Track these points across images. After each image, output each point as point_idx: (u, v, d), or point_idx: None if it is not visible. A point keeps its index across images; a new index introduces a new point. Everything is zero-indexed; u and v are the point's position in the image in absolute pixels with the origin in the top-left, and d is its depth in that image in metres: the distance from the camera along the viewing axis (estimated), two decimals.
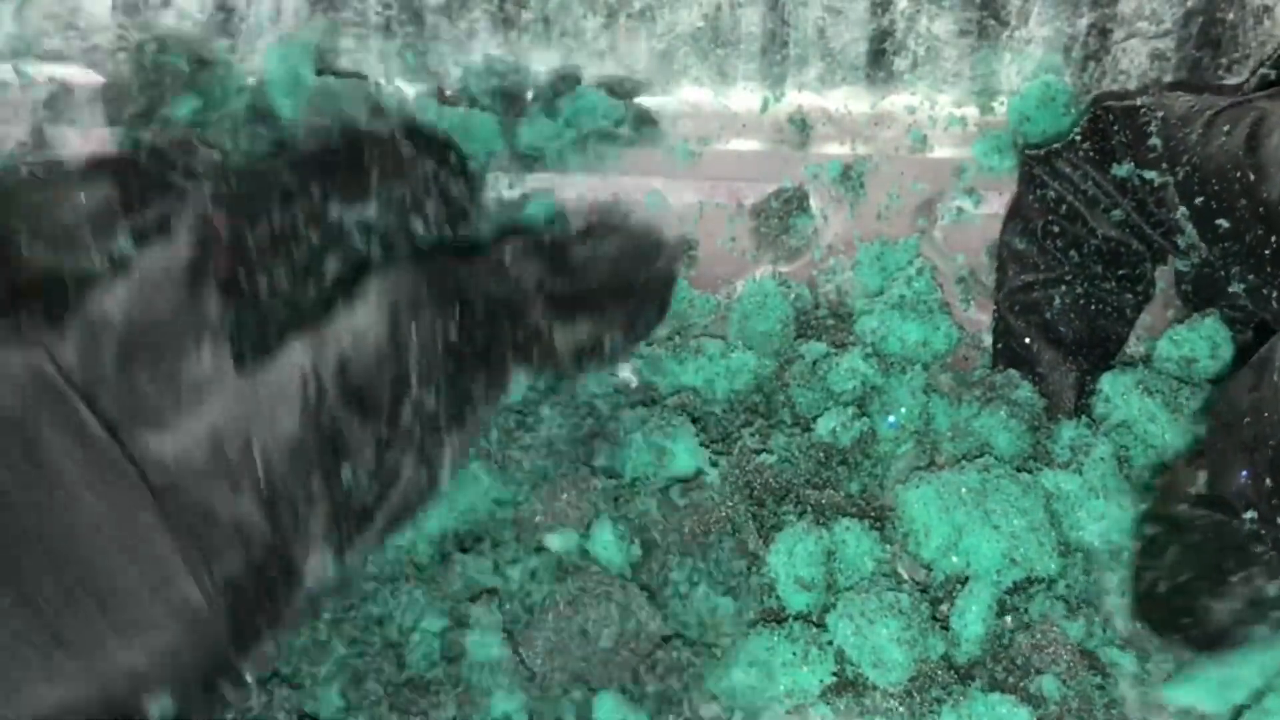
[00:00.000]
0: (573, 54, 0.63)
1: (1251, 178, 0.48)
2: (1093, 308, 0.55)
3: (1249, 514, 0.46)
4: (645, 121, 0.63)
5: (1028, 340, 0.56)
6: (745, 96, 0.64)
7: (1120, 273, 0.55)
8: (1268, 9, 0.59)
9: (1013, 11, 0.61)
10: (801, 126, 0.63)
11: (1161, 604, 0.50)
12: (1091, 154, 0.53)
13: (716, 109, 0.64)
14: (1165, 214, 0.52)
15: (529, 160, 0.61)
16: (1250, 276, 0.49)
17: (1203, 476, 0.49)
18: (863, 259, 0.61)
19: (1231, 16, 0.60)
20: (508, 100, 0.63)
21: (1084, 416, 0.55)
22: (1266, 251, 0.48)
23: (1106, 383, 0.54)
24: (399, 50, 0.63)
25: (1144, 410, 0.53)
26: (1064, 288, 0.55)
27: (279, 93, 0.61)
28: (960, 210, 0.62)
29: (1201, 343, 0.55)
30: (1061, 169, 0.54)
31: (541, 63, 0.63)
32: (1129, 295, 0.55)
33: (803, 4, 0.62)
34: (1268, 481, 0.46)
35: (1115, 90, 0.61)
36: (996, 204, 0.61)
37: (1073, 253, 0.54)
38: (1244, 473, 0.47)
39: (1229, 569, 0.47)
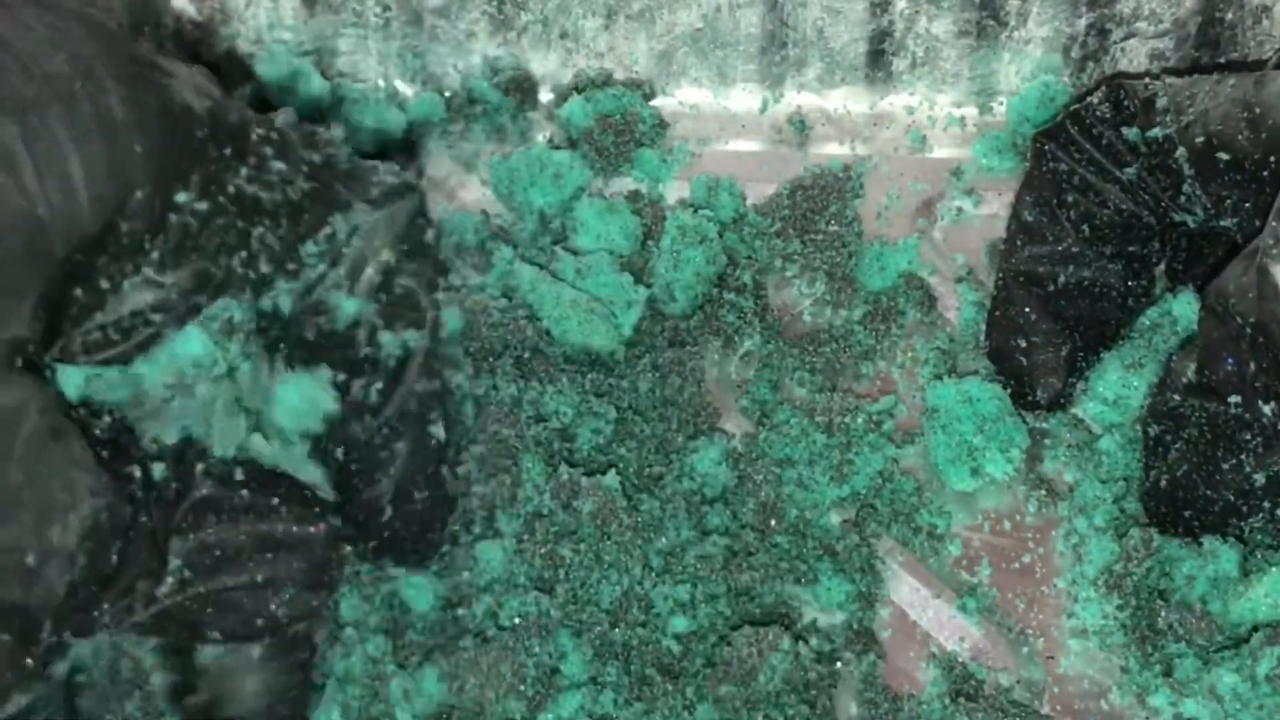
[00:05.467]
0: (572, 55, 0.63)
1: (1257, 111, 0.48)
2: (1096, 289, 0.55)
3: (1234, 398, 0.48)
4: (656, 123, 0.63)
5: (1027, 310, 0.55)
6: (744, 97, 0.64)
7: (1130, 249, 0.55)
8: (1266, 9, 0.59)
9: (1012, 12, 0.61)
10: (801, 127, 0.63)
11: (1165, 499, 0.52)
12: (1105, 115, 0.53)
13: (716, 110, 0.64)
14: (1172, 169, 0.52)
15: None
16: (1246, 205, 0.50)
17: (1194, 366, 0.50)
18: (863, 259, 0.61)
19: (1230, 16, 0.60)
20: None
21: (1060, 409, 0.56)
22: (1265, 173, 0.48)
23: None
24: (398, 51, 0.63)
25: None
26: (1071, 267, 0.55)
27: (282, 93, 0.61)
28: (960, 211, 0.62)
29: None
30: (1074, 137, 0.54)
31: (540, 64, 0.63)
32: (1134, 283, 0.55)
33: (802, 5, 0.62)
34: (1251, 365, 0.47)
35: (1126, 70, 0.61)
36: (996, 204, 0.61)
37: (1084, 227, 0.54)
38: (1230, 359, 0.48)
39: (1221, 458, 0.49)
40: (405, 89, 0.63)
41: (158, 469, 0.43)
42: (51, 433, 0.39)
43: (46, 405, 0.39)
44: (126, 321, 0.41)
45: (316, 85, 0.61)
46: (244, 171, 0.43)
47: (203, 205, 0.42)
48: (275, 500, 0.46)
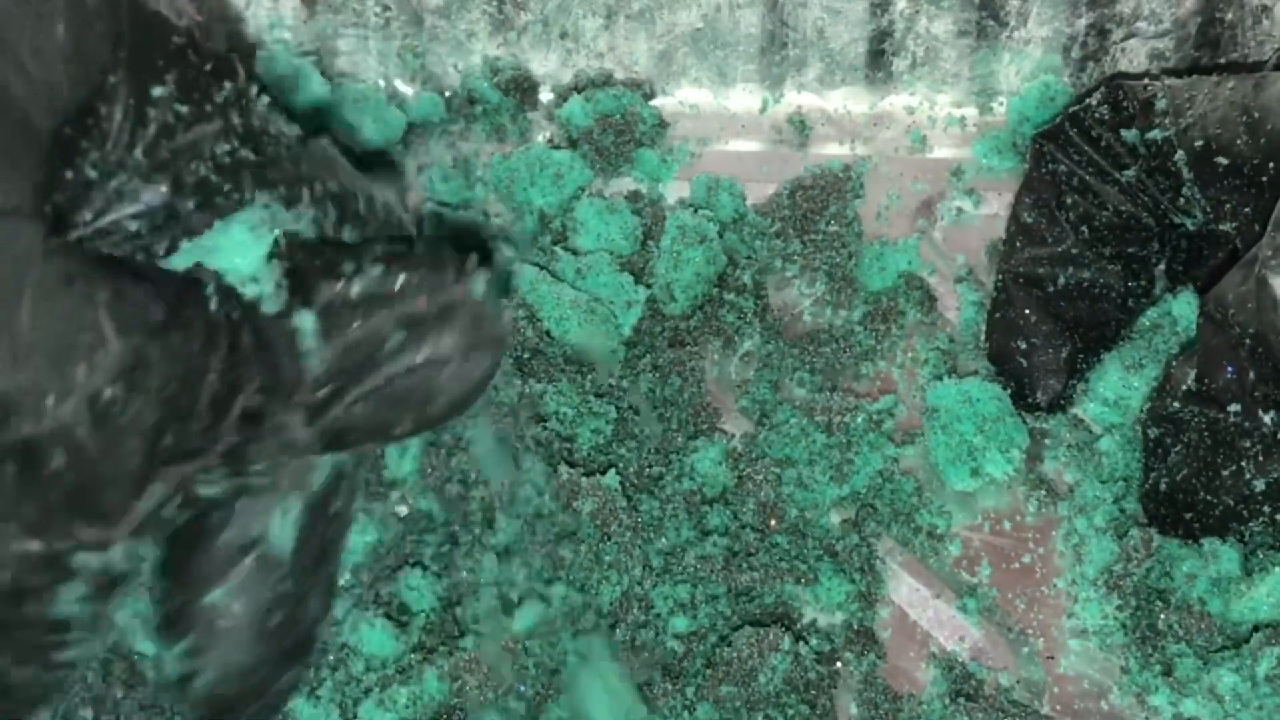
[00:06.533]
0: (572, 55, 0.63)
1: (1255, 116, 0.48)
2: (1096, 290, 0.55)
3: (1233, 407, 0.48)
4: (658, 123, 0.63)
5: (1027, 311, 0.56)
6: (744, 97, 0.64)
7: (1129, 250, 0.55)
8: (1266, 9, 0.59)
9: (1012, 12, 0.61)
10: (801, 127, 0.63)
11: (1165, 501, 0.52)
12: (1104, 116, 0.53)
13: (716, 110, 0.64)
14: (1171, 171, 0.52)
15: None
16: (1245, 210, 0.50)
17: (1193, 373, 0.50)
18: (863, 259, 0.61)
19: (1230, 16, 0.60)
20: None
21: (1060, 410, 0.56)
22: (1263, 178, 0.48)
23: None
24: (398, 52, 0.63)
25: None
26: (1071, 268, 0.55)
27: (282, 93, 0.61)
28: (960, 211, 0.62)
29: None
30: (1073, 139, 0.54)
31: (540, 64, 0.63)
32: (1133, 284, 0.55)
33: (802, 5, 0.62)
34: (1251, 374, 0.47)
35: (1125, 71, 0.61)
36: (996, 204, 0.62)
37: (1084, 228, 0.54)
38: (1230, 367, 0.48)
39: (1220, 464, 0.49)
40: (405, 89, 0.63)
41: (251, 288, 0.40)
42: (65, 278, 0.38)
43: (54, 251, 0.38)
44: (108, 228, 0.40)
45: (316, 85, 0.61)
46: (228, 88, 0.41)
47: (183, 106, 0.40)
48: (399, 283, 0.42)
